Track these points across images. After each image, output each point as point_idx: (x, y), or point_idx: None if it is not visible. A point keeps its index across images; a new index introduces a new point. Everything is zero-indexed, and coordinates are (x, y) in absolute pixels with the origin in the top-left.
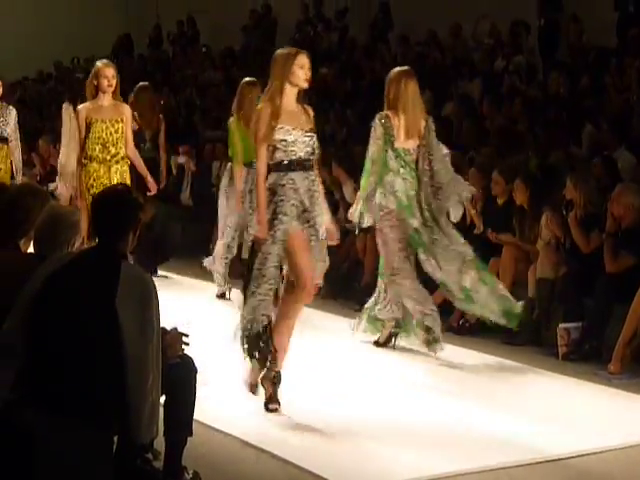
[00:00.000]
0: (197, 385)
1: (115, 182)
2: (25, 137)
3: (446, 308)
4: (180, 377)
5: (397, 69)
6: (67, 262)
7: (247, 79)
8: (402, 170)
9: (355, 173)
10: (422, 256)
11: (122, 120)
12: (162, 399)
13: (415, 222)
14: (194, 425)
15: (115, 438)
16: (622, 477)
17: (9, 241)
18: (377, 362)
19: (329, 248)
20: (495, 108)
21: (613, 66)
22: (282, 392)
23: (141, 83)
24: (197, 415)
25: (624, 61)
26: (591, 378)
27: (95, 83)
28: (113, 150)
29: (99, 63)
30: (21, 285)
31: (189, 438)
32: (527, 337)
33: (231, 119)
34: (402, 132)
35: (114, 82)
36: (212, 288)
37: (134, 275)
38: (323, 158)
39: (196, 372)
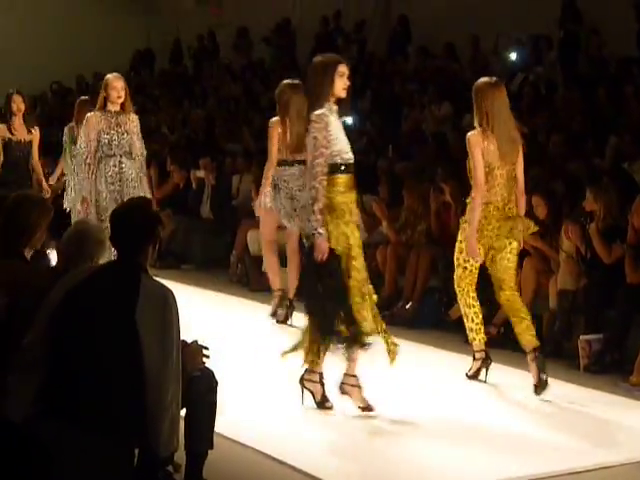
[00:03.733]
0: (217, 398)
1: None
2: (47, 151)
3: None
4: (200, 390)
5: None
6: (87, 276)
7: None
8: None
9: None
10: None
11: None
12: (183, 412)
13: None
14: (215, 438)
15: (136, 451)
16: None
17: (12, 251)
18: (406, 371)
19: None
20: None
21: (634, 77)
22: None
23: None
24: (218, 428)
25: None
26: (612, 390)
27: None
28: None
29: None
30: (42, 298)
31: (210, 451)
32: (549, 349)
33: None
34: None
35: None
36: (232, 300)
37: (154, 288)
38: None
39: (217, 385)
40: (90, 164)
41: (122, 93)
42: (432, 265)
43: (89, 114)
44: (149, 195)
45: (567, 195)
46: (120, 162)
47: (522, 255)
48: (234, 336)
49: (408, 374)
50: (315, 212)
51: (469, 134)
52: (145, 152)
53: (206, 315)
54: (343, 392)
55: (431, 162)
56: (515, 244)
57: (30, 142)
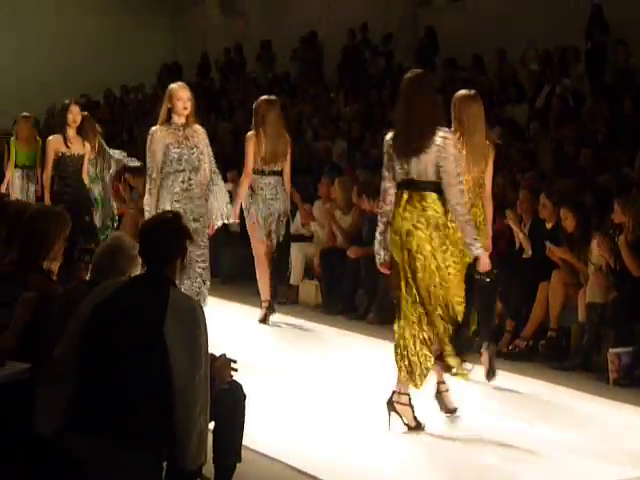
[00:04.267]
0: (245, 411)
1: None
2: None
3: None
4: (229, 403)
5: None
6: (116, 289)
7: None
8: None
9: None
10: None
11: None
12: (211, 425)
13: None
14: (243, 451)
15: (164, 464)
16: None
17: (32, 264)
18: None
19: (378, 274)
20: (542, 132)
21: None
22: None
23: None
24: (246, 441)
25: None
26: None
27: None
28: None
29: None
30: (71, 311)
31: (238, 464)
32: (577, 362)
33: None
34: None
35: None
36: (259, 313)
37: (182, 302)
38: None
39: (245, 398)
40: (155, 179)
41: (188, 104)
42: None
43: (153, 128)
44: (229, 211)
45: (596, 207)
46: (189, 178)
47: (551, 268)
48: (262, 349)
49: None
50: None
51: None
52: (216, 168)
53: (233, 328)
54: (393, 410)
55: None
56: None
57: (83, 156)
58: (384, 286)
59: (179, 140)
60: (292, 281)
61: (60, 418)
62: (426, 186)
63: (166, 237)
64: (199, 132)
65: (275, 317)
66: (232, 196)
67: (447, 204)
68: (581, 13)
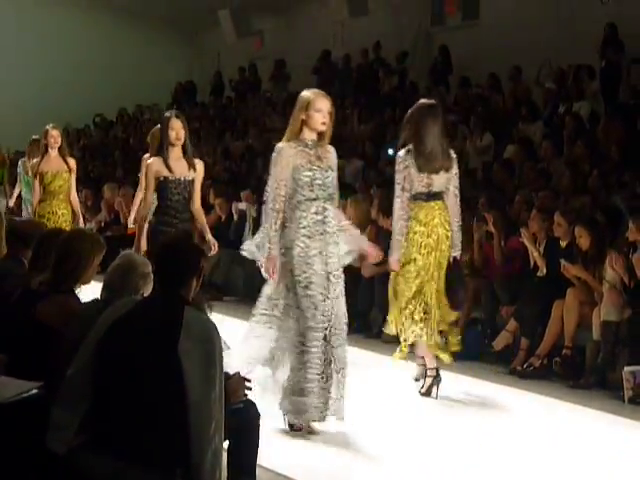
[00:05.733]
0: (260, 430)
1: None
2: (90, 183)
3: (509, 353)
4: (243, 422)
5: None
6: (131, 308)
7: None
8: None
9: None
10: None
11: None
12: (225, 444)
13: None
14: (257, 470)
15: None
16: None
17: (64, 286)
18: (439, 408)
19: None
20: (556, 151)
21: None
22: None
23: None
24: (261, 460)
25: None
26: None
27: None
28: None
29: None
30: (86, 330)
31: None
32: (593, 380)
33: None
34: None
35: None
36: None
37: (197, 321)
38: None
39: (259, 417)
40: (278, 211)
41: (327, 118)
42: (475, 296)
43: (279, 144)
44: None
45: (610, 225)
46: (324, 208)
47: (565, 286)
48: None
49: (451, 407)
50: None
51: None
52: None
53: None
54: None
55: (474, 192)
56: None
57: (192, 181)
58: None
59: (311, 160)
60: None
61: (74, 437)
62: (442, 197)
63: (180, 256)
64: (331, 152)
65: None
66: (246, 216)
67: (448, 210)
68: (596, 32)
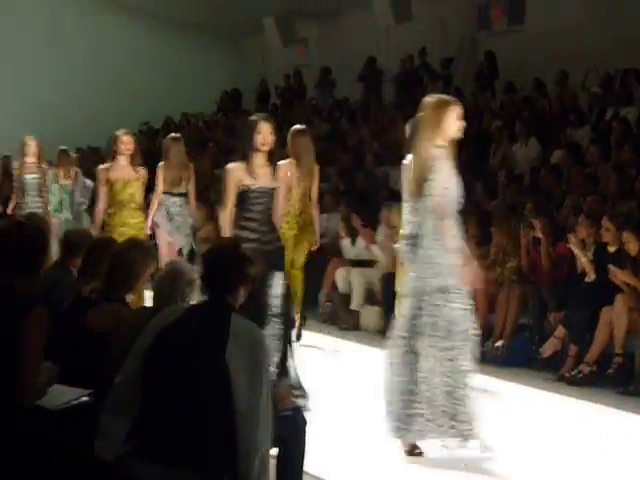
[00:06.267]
0: (307, 437)
1: None
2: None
3: (557, 359)
4: (290, 429)
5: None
6: (179, 316)
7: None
8: None
9: None
10: None
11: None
12: (272, 452)
13: None
14: (304, 477)
15: None
16: None
17: (115, 295)
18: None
19: None
20: (603, 155)
21: None
22: None
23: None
24: (307, 467)
25: None
26: None
27: None
28: None
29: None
30: (135, 337)
31: None
32: None
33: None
34: None
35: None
36: (321, 339)
37: (244, 328)
38: None
39: (306, 424)
40: None
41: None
42: (522, 302)
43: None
44: None
45: None
46: None
47: (614, 292)
48: (324, 375)
49: (499, 413)
50: None
51: (281, 163)
52: None
53: (295, 354)
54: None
55: (520, 198)
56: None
57: (274, 190)
58: None
59: None
60: (353, 306)
61: (123, 444)
62: None
63: (228, 265)
64: None
65: (337, 343)
66: None
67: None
68: None
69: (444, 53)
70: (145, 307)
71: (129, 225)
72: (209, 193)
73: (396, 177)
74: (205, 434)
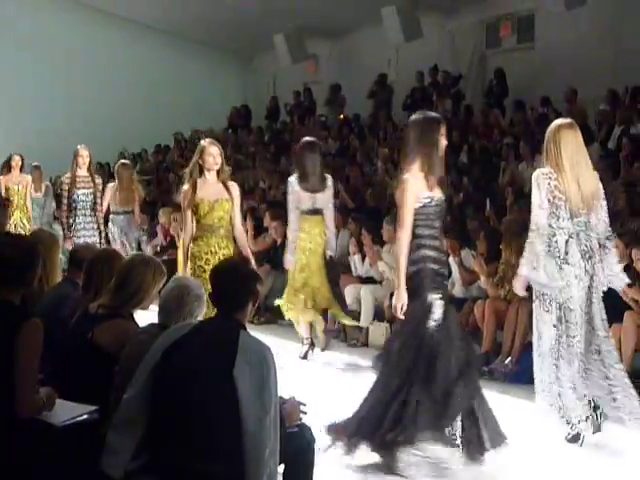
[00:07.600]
0: (315, 454)
1: None
2: (145, 208)
3: None
4: (298, 446)
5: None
6: (187, 333)
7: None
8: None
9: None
10: None
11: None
12: (280, 468)
13: None
14: None
15: None
16: None
17: (123, 311)
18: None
19: None
20: (612, 172)
21: None
22: None
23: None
24: None
25: None
26: None
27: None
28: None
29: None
30: (142, 354)
31: None
32: None
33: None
34: None
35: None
36: (329, 355)
37: (252, 345)
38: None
39: (314, 441)
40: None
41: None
42: (531, 319)
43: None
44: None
45: None
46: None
47: (623, 309)
48: (331, 392)
49: (506, 430)
50: None
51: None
52: None
53: (303, 371)
54: None
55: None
56: None
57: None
58: None
59: None
60: (362, 323)
61: (130, 461)
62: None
63: (237, 282)
64: None
65: (346, 359)
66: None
67: None
68: None
69: (454, 70)
70: (152, 323)
71: (217, 255)
72: None
73: None
74: (213, 451)
